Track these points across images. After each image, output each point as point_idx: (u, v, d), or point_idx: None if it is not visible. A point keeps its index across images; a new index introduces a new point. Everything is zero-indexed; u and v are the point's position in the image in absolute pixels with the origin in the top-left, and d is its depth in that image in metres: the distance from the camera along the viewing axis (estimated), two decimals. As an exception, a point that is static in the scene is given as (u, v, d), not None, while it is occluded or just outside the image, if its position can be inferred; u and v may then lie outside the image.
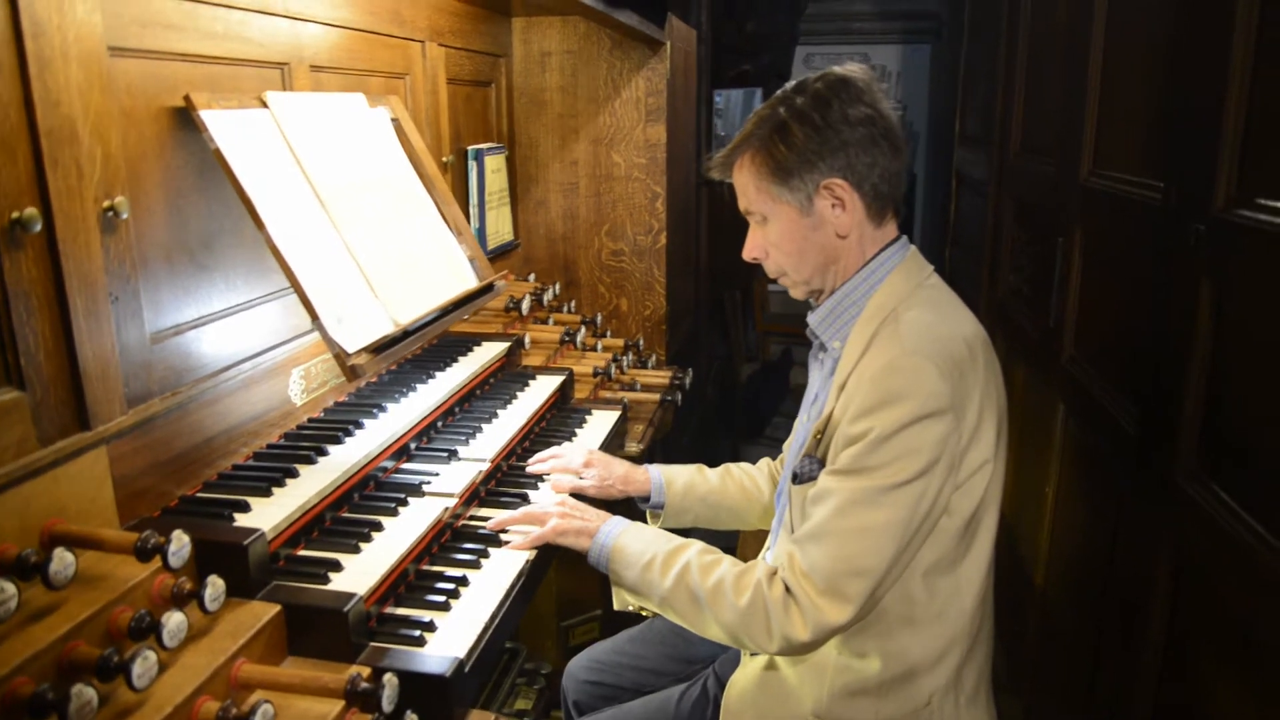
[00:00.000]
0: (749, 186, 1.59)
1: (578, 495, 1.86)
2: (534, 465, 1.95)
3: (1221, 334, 1.56)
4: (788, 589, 1.47)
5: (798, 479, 1.58)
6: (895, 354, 1.44)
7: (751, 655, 1.68)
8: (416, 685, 1.28)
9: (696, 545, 1.61)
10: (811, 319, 1.65)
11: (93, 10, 1.26)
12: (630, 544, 1.63)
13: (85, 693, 1.02)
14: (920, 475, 1.42)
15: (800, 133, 1.52)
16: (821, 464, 1.54)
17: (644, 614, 1.71)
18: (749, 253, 1.65)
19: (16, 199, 1.15)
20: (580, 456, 1.95)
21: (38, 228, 1.16)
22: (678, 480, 1.97)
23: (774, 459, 2.04)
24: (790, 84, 1.60)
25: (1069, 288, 2.42)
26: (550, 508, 1.69)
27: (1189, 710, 1.65)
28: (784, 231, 1.58)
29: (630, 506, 1.98)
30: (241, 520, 1.41)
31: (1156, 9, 1.93)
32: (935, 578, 1.53)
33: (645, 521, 1.96)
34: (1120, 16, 2.19)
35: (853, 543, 1.43)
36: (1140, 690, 1.78)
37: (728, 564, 1.56)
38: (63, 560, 1.10)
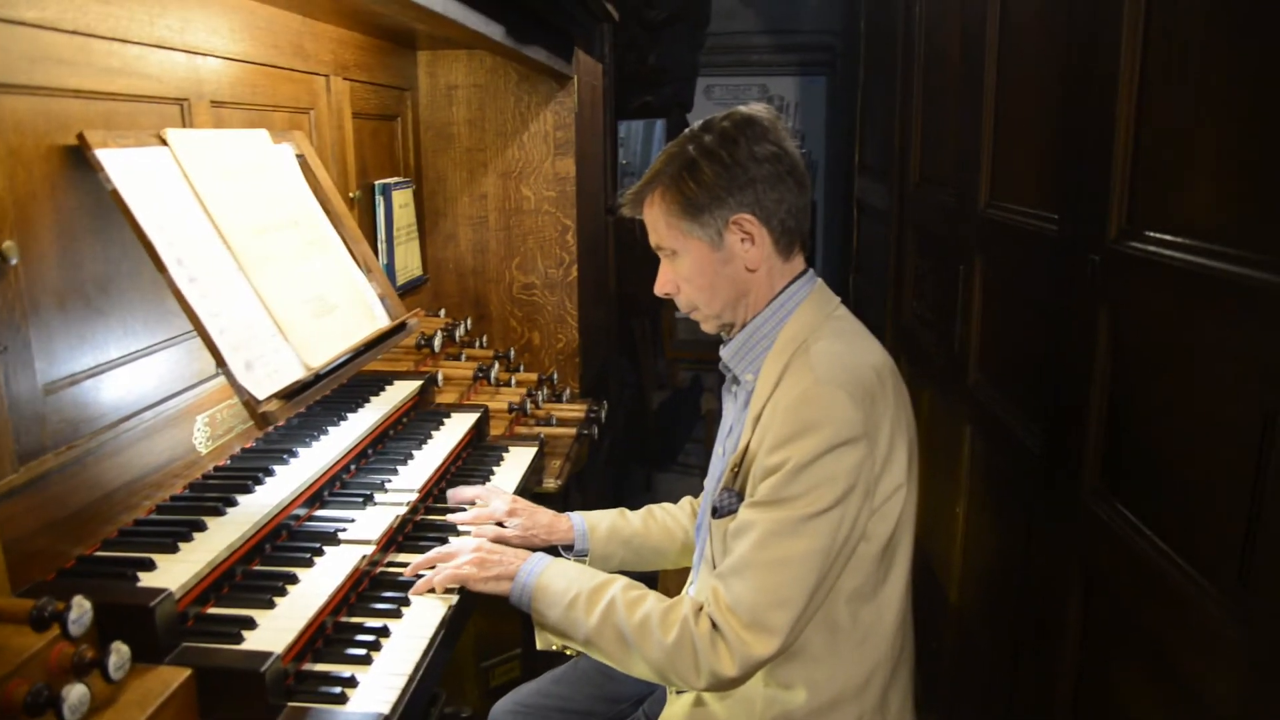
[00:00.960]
0: (660, 223, 1.61)
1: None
2: (457, 517, 1.89)
3: (1119, 358, 1.64)
4: (714, 625, 1.47)
5: (717, 513, 1.59)
6: (808, 384, 1.47)
7: (677, 693, 1.67)
8: (339, 745, 1.23)
9: (620, 581, 1.60)
10: (724, 353, 1.67)
11: (-23, 46, 1.20)
12: (553, 582, 1.60)
13: (-22, 778, 0.95)
14: (837, 503, 1.44)
15: (709, 170, 1.54)
16: (740, 497, 1.55)
17: (568, 653, 1.68)
18: (660, 288, 1.67)
19: (-108, 247, 1.08)
20: (504, 504, 1.90)
21: (-83, 277, 1.09)
22: (600, 526, 1.95)
23: (695, 497, 2.04)
24: (697, 123, 1.63)
25: (971, 314, 2.51)
26: (466, 554, 1.64)
27: (1103, 723, 1.71)
28: (695, 266, 1.60)
29: (553, 552, 1.94)
30: (146, 580, 1.34)
31: (1047, 47, 2.02)
32: (858, 604, 1.55)
33: None
34: (1012, 53, 2.29)
35: (774, 574, 1.44)
36: (1058, 704, 1.84)
37: (653, 600, 1.55)
38: (-51, 634, 1.02)
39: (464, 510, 1.91)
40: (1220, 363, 1.32)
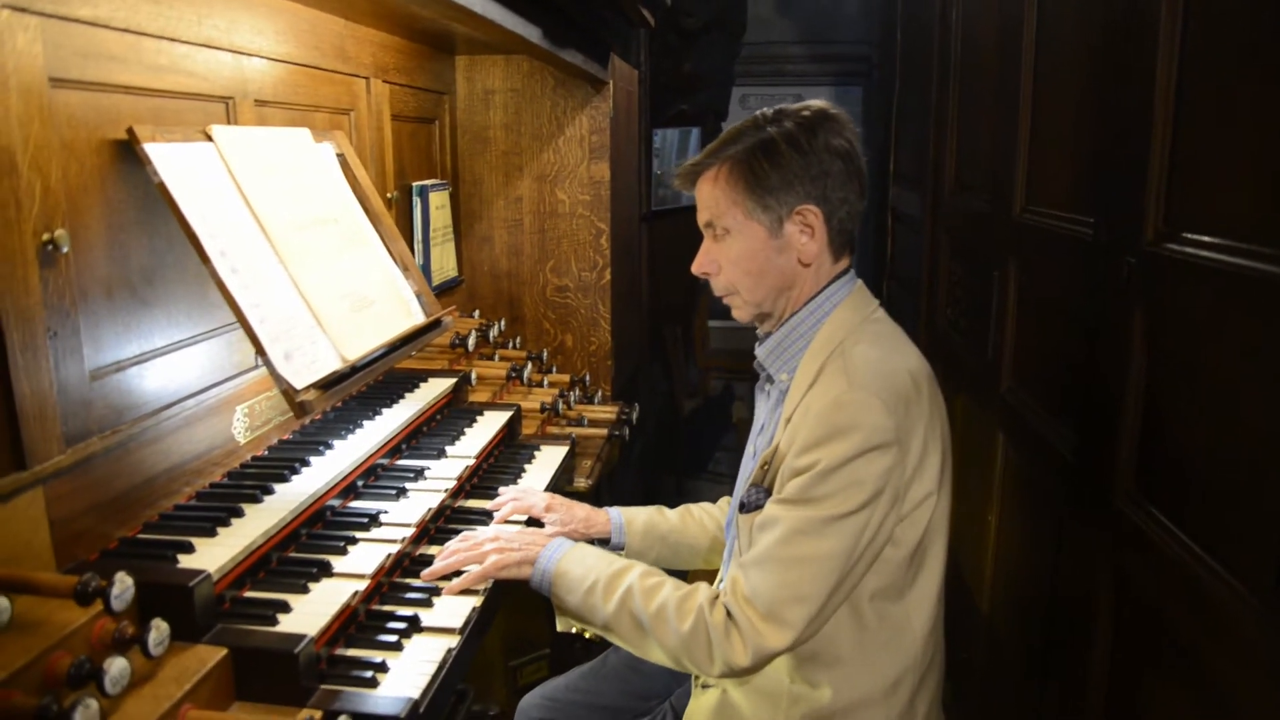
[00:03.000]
0: (719, 199, 1.58)
1: None
2: (492, 508, 1.90)
3: (1154, 361, 1.62)
4: (729, 614, 1.48)
5: (744, 508, 1.59)
6: (841, 389, 1.47)
7: (702, 687, 1.68)
8: (370, 729, 1.25)
9: (639, 568, 1.60)
10: (759, 351, 1.67)
11: (34, 40, 1.24)
12: (572, 568, 1.61)
13: (23, 744, 0.98)
14: (864, 507, 1.44)
15: (787, 153, 1.53)
16: (768, 494, 1.55)
17: (588, 635, 1.69)
18: (699, 267, 1.64)
19: (-48, 231, 1.12)
20: (540, 500, 1.90)
21: (-26, 261, 1.13)
22: (638, 520, 1.95)
23: (731, 497, 2.04)
24: (767, 109, 1.60)
25: (1005, 319, 2.49)
26: (485, 544, 1.66)
27: (1135, 731, 1.69)
28: (746, 250, 1.58)
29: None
30: (185, 562, 1.37)
31: (1083, 51, 2.01)
32: (883, 603, 1.55)
33: None
34: (1047, 59, 2.29)
35: (795, 570, 1.44)
36: (1089, 713, 1.82)
37: (670, 587, 1.56)
38: (-3, 606, 1.05)
39: (500, 504, 1.91)
40: (1259, 365, 1.31)
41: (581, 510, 1.94)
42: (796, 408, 1.52)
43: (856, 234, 1.62)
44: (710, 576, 2.04)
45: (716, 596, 1.51)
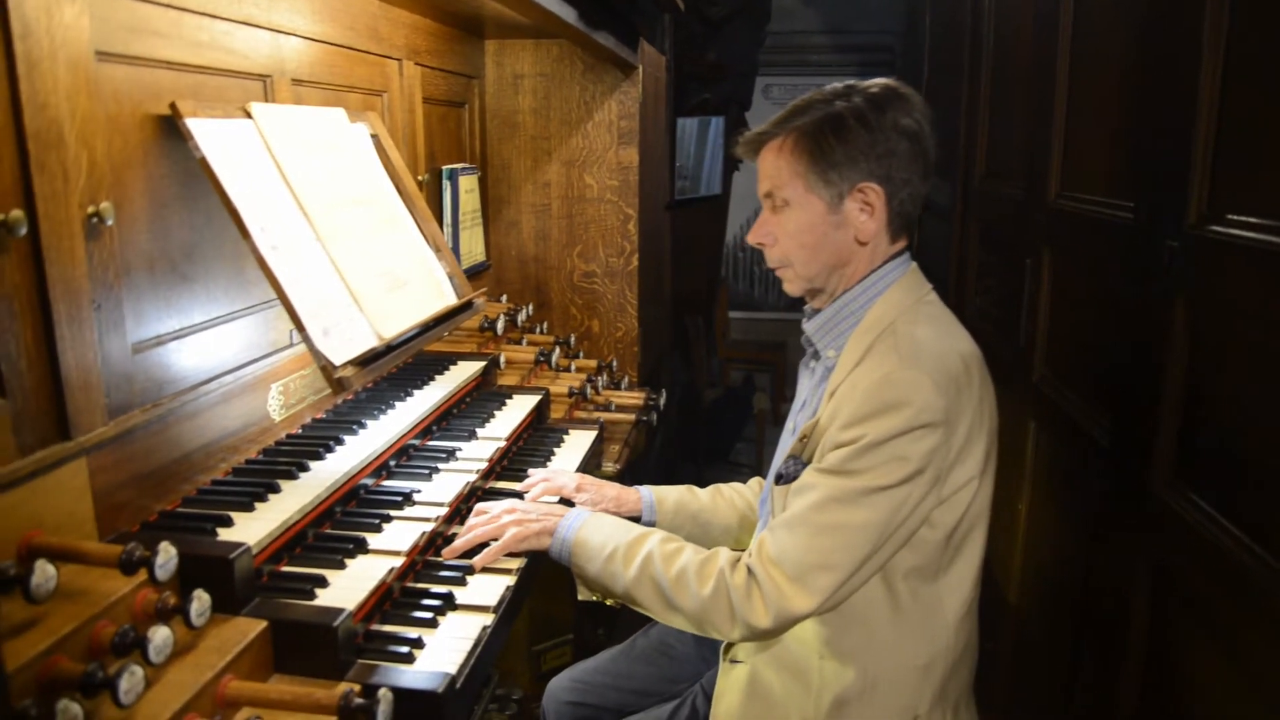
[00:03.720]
0: (782, 170, 1.56)
1: None
2: (523, 488, 1.90)
3: (1196, 346, 1.60)
4: (751, 573, 1.47)
5: (781, 479, 1.58)
6: (892, 366, 1.45)
7: (731, 662, 1.67)
8: (407, 703, 1.25)
9: (657, 534, 1.61)
10: (807, 326, 1.65)
11: (81, 14, 1.24)
12: (591, 536, 1.61)
13: (71, 708, 0.98)
14: (903, 482, 1.43)
15: (855, 129, 1.51)
16: (805, 466, 1.54)
17: (609, 603, 1.69)
18: (755, 237, 1.63)
19: (1, 202, 1.12)
20: (571, 481, 1.90)
21: (23, 231, 1.13)
22: (669, 499, 1.95)
23: (763, 478, 2.04)
24: (837, 84, 1.58)
25: (1038, 307, 2.47)
26: (503, 517, 1.66)
27: None
28: (804, 223, 1.57)
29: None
30: (224, 535, 1.38)
31: (1123, 32, 1.99)
32: (917, 583, 1.54)
33: None
34: (1086, 41, 2.26)
35: (826, 537, 1.44)
36: (1124, 702, 1.80)
37: (690, 551, 1.55)
38: (45, 573, 1.06)
39: (531, 485, 1.90)
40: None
41: (612, 490, 1.94)
42: (842, 383, 1.51)
43: (916, 215, 1.60)
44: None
45: (739, 560, 1.50)
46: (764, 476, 1.90)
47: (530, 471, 1.98)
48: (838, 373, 1.54)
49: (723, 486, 2.03)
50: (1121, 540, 1.83)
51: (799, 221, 1.57)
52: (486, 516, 1.68)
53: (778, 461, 1.66)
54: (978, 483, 1.52)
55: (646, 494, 1.95)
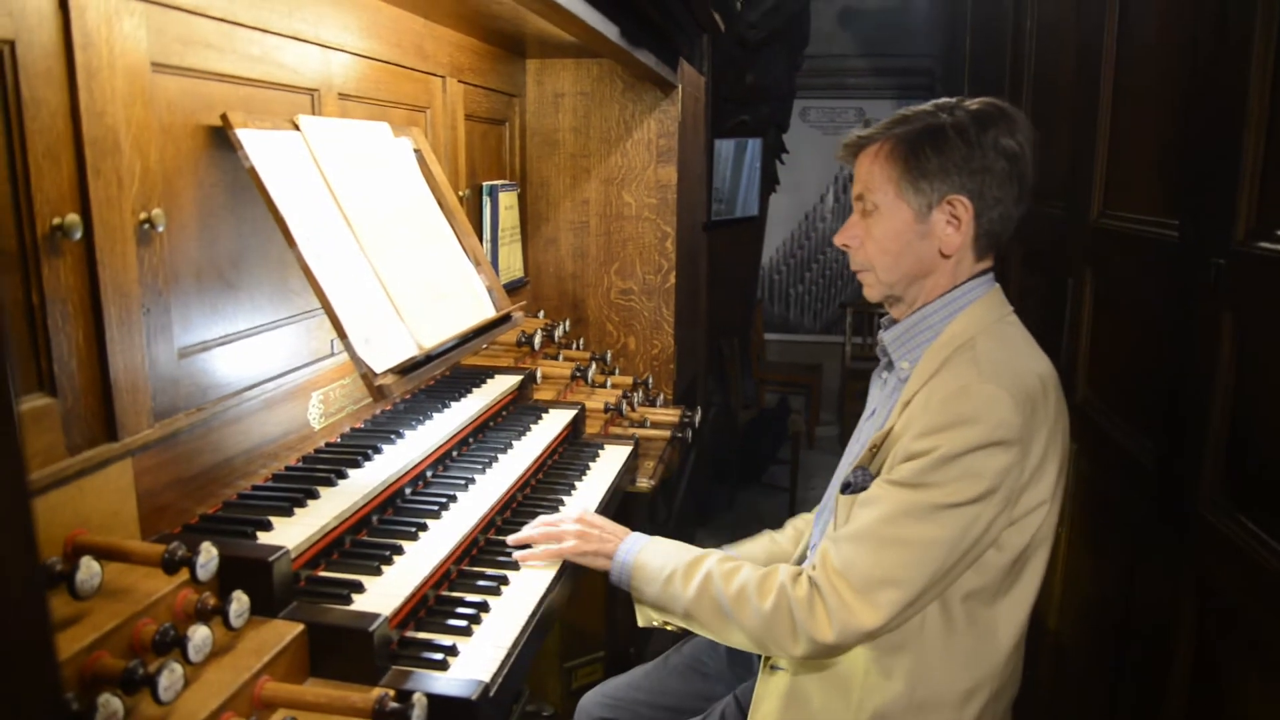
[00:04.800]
0: (875, 174, 1.57)
1: None
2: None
3: (1243, 364, 1.57)
4: (814, 585, 1.45)
5: (848, 489, 1.55)
6: (970, 379, 1.43)
7: (771, 669, 1.65)
8: (441, 709, 1.25)
9: (715, 554, 1.60)
10: (885, 336, 1.64)
11: (138, 26, 1.28)
12: (650, 560, 1.61)
13: (112, 703, 1.00)
14: (976, 500, 1.40)
15: (953, 141, 1.50)
16: (874, 477, 1.52)
17: (669, 628, 1.68)
18: (842, 238, 1.64)
19: (58, 205, 1.15)
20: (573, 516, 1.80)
21: (78, 235, 1.16)
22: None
23: (794, 516, 2.01)
24: (946, 98, 1.59)
25: (1080, 329, 2.44)
26: (569, 524, 1.68)
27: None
28: (890, 230, 1.56)
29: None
30: (264, 538, 1.39)
31: (1168, 49, 1.97)
32: (975, 606, 1.51)
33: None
34: (1129, 60, 2.24)
35: (893, 551, 1.41)
36: (1166, 728, 1.76)
37: (748, 569, 1.54)
38: (90, 570, 1.08)
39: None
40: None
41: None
42: (916, 394, 1.49)
43: (1006, 237, 1.58)
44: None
45: (799, 573, 1.48)
46: (798, 502, 1.90)
47: (564, 487, 2.00)
48: (913, 383, 1.52)
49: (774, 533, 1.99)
50: (1165, 564, 1.79)
51: (885, 227, 1.57)
52: (555, 517, 1.72)
53: (843, 470, 1.64)
54: (1048, 506, 1.49)
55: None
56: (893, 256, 1.57)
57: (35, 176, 1.12)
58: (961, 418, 1.40)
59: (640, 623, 1.66)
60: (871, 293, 1.64)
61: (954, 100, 1.57)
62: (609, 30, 2.18)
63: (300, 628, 1.28)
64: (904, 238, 1.55)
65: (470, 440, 2.10)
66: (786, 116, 6.54)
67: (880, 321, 1.67)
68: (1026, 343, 1.57)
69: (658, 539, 1.67)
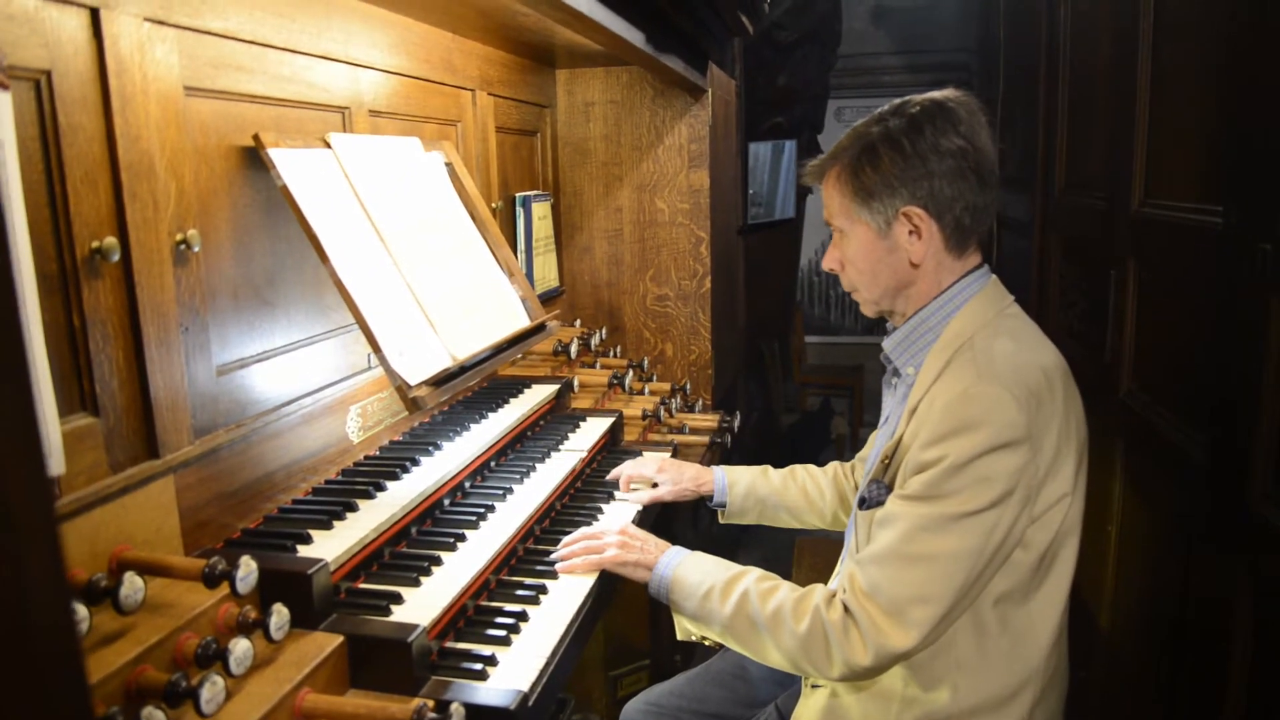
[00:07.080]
0: (833, 200, 1.60)
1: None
2: (612, 475, 2.07)
3: (1294, 353, 1.53)
4: (847, 610, 1.44)
5: (864, 504, 1.55)
6: (970, 382, 1.42)
7: (812, 687, 1.64)
8: (480, 719, 1.26)
9: (754, 572, 1.59)
10: (886, 344, 1.64)
11: (171, 51, 1.31)
12: (689, 574, 1.61)
13: (155, 716, 1.02)
14: (993, 505, 1.38)
15: (887, 157, 1.51)
16: (889, 490, 1.51)
17: (706, 643, 1.67)
18: (827, 264, 1.67)
19: (96, 229, 1.18)
20: (652, 465, 2.06)
21: (116, 257, 1.19)
22: (740, 482, 2.06)
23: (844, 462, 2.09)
24: (895, 100, 1.58)
25: (1124, 320, 2.39)
26: (611, 535, 1.68)
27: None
28: (859, 250, 1.59)
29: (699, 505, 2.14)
30: (304, 552, 1.41)
31: (1206, 36, 1.93)
32: (1007, 608, 1.48)
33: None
34: (1167, 47, 2.19)
35: (918, 569, 1.40)
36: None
37: (786, 589, 1.53)
38: (133, 585, 1.10)
39: (618, 475, 2.06)
40: None
41: (691, 470, 2.07)
42: (921, 400, 1.48)
43: (984, 225, 1.56)
44: (814, 547, 2.09)
45: (833, 596, 1.47)
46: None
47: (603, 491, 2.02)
48: (917, 388, 1.50)
49: (798, 468, 2.09)
50: (1219, 559, 1.74)
51: (854, 248, 1.59)
52: (597, 529, 1.74)
53: (861, 485, 1.63)
54: (1070, 499, 1.46)
55: (720, 475, 2.06)
56: (869, 275, 1.59)
57: (74, 201, 1.15)
58: (965, 423, 1.38)
59: (679, 636, 1.66)
60: (865, 310, 1.66)
61: (899, 103, 1.56)
62: (635, 37, 2.19)
63: (340, 639, 1.29)
64: (873, 255, 1.57)
65: (508, 450, 2.11)
66: (821, 117, 6.51)
67: (888, 328, 1.66)
68: (1029, 334, 1.55)
69: (698, 554, 1.67)
